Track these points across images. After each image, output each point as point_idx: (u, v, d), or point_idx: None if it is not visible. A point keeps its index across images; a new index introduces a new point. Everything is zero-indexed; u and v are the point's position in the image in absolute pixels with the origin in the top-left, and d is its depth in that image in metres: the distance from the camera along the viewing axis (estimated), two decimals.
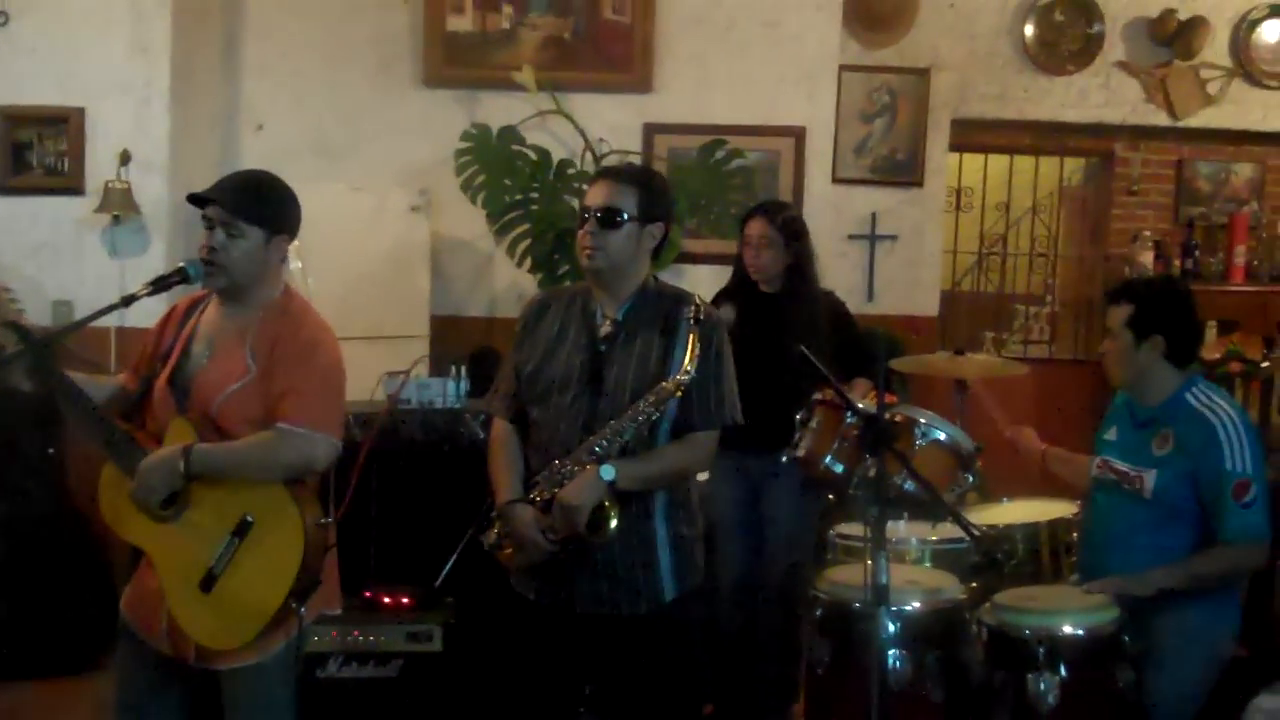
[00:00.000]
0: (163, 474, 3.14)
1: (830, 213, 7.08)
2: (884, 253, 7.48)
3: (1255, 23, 7.68)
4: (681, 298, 3.45)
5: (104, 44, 6.21)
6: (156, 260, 6.12)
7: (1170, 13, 7.54)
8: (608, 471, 3.23)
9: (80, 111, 6.24)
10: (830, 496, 4.86)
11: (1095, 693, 3.62)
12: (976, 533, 3.69)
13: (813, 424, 4.45)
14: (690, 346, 3.30)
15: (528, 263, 6.30)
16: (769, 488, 4.85)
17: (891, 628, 3.61)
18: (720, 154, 6.38)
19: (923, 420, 4.32)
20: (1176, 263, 7.91)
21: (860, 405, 3.85)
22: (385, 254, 6.47)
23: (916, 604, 3.79)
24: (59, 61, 6.22)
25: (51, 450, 5.71)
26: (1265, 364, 6.29)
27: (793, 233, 4.83)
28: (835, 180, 7.24)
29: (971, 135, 7.84)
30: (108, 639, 3.44)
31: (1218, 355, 6.90)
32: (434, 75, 6.89)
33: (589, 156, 6.48)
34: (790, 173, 6.95)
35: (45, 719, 5.14)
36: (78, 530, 5.57)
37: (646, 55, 6.87)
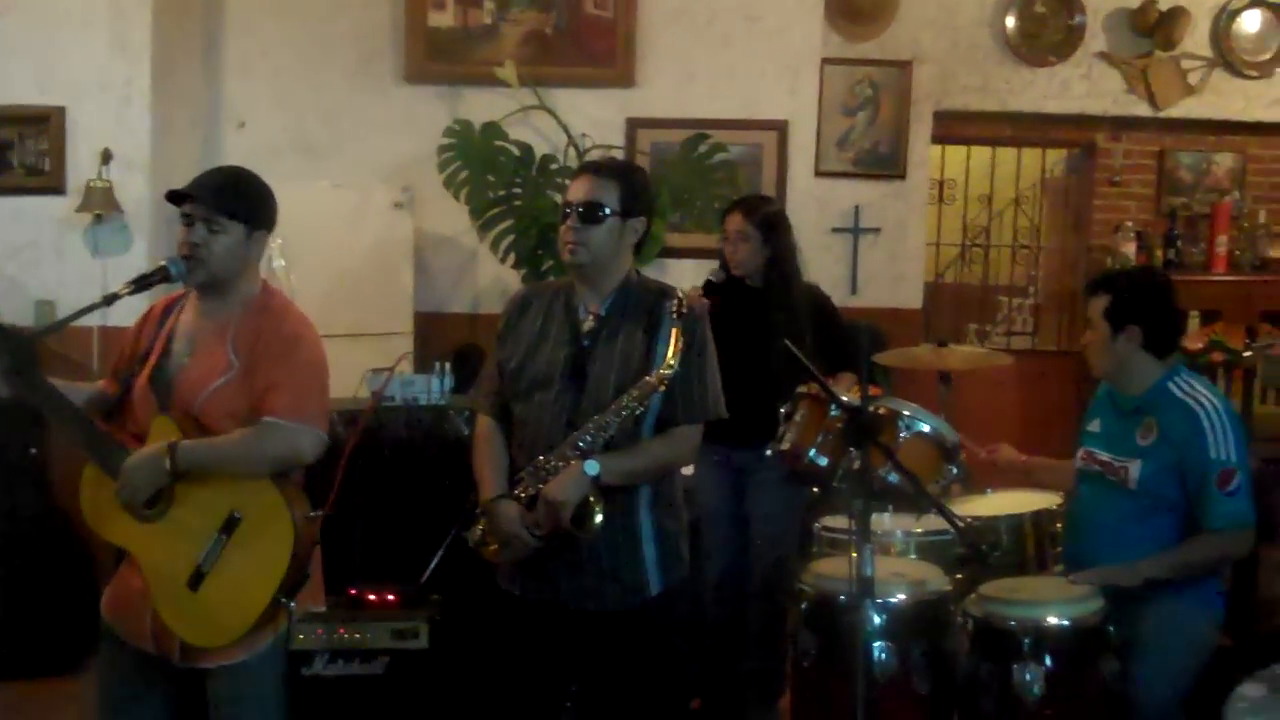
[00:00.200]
0: (148, 472, 3.13)
1: (813, 206, 7.09)
2: (867, 245, 7.48)
3: (1235, 13, 7.70)
4: (664, 292, 3.45)
5: (84, 43, 6.20)
6: (139, 259, 6.11)
7: (1151, 3, 7.55)
8: (592, 467, 3.23)
9: (61, 111, 6.23)
10: (815, 489, 4.87)
11: (1080, 683, 3.63)
12: (961, 524, 3.70)
13: (797, 417, 4.46)
14: (673, 341, 3.31)
15: (511, 258, 6.29)
16: (753, 481, 4.86)
17: (877, 620, 3.63)
18: (703, 148, 6.38)
19: (907, 413, 4.33)
20: (1159, 253, 7.91)
21: (844, 398, 3.85)
22: (368, 251, 6.46)
23: (902, 596, 3.80)
24: (39, 60, 6.21)
25: (34, 450, 5.70)
26: (1247, 353, 6.31)
27: (770, 227, 4.85)
28: (818, 173, 7.25)
29: (954, 127, 7.84)
30: (92, 640, 3.43)
31: (1200, 345, 6.91)
32: (416, 71, 6.89)
33: (572, 152, 6.48)
34: (773, 166, 6.96)
35: None
36: (62, 531, 5.56)
37: (629, 50, 6.87)
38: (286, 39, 6.92)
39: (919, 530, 4.36)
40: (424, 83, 6.90)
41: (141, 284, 3.22)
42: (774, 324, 4.60)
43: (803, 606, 3.93)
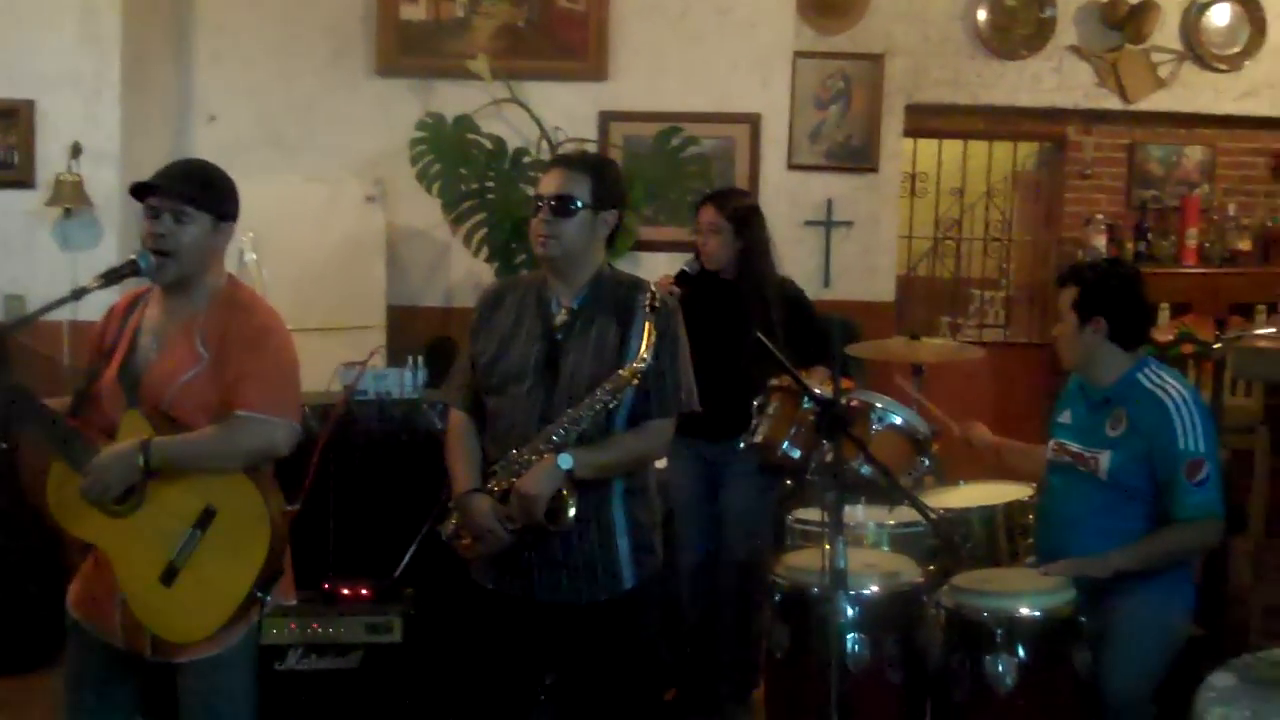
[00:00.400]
0: (119, 469, 3.11)
1: (786, 199, 7.10)
2: (840, 238, 7.49)
3: (1205, 6, 7.74)
4: (637, 285, 3.45)
5: (53, 35, 6.16)
6: (109, 253, 6.08)
7: None
8: (565, 460, 3.23)
9: (30, 104, 6.19)
10: (788, 482, 4.89)
11: (1052, 674, 3.65)
12: (934, 516, 3.72)
13: (770, 410, 4.47)
14: (646, 334, 3.31)
15: (484, 252, 6.28)
16: (726, 474, 4.87)
17: (850, 612, 3.63)
18: (676, 141, 6.38)
19: (879, 405, 4.34)
20: (1129, 245, 7.96)
21: (817, 391, 3.86)
22: (340, 245, 6.44)
23: (874, 588, 3.81)
24: (8, 54, 6.17)
25: (4, 446, 5.65)
26: (1217, 345, 6.33)
27: (742, 221, 4.85)
28: (791, 166, 7.25)
29: (925, 120, 7.87)
30: (63, 636, 3.41)
31: (1170, 337, 6.95)
32: (387, 64, 6.87)
33: (545, 145, 6.48)
34: (746, 159, 6.96)
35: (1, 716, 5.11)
36: (32, 527, 5.52)
37: (601, 43, 6.87)
38: (257, 32, 6.89)
39: (892, 522, 4.37)
40: (396, 76, 6.88)
41: (111, 278, 3.21)
42: (746, 317, 4.61)
43: (776, 598, 3.94)
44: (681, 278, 4.71)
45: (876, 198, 7.54)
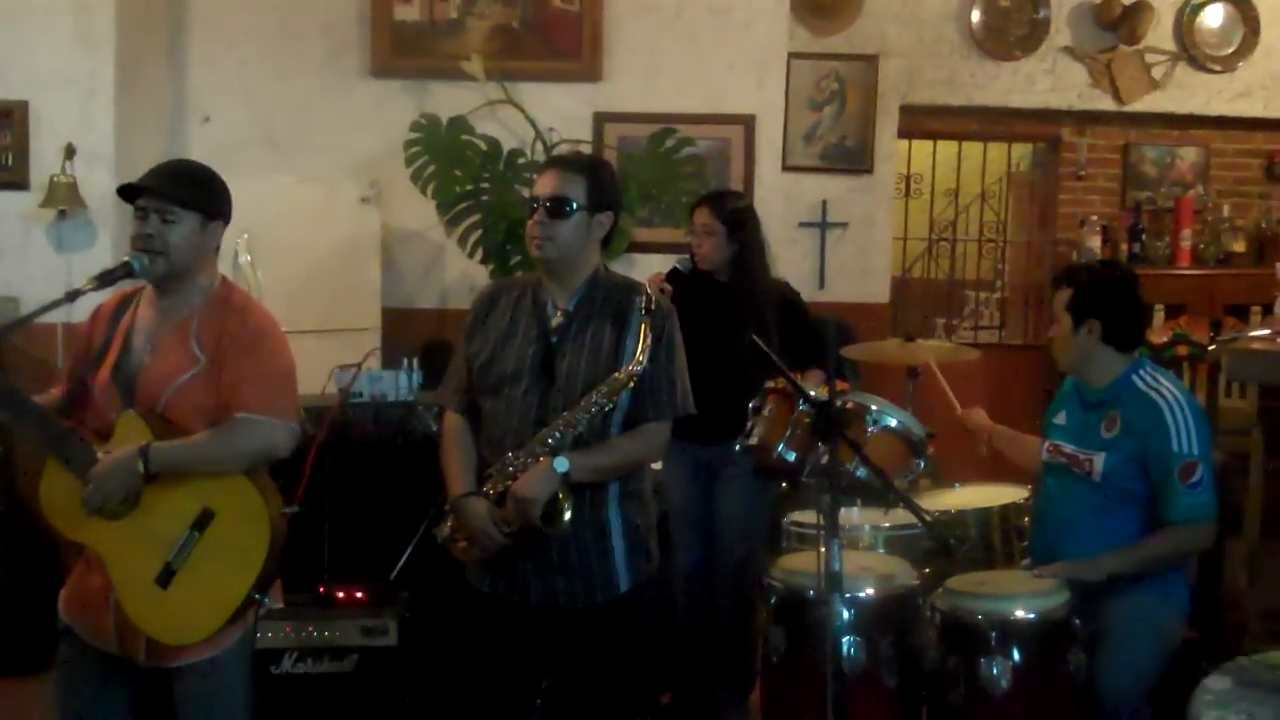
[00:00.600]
0: (121, 477, 3.09)
1: (780, 200, 7.10)
2: (834, 240, 7.50)
3: (1198, 7, 7.75)
4: (632, 287, 3.45)
5: (47, 36, 6.15)
6: (103, 254, 6.06)
7: None
8: (561, 463, 3.22)
9: (24, 105, 6.18)
10: (783, 484, 4.88)
11: (1047, 676, 3.65)
12: (929, 518, 3.72)
13: (765, 412, 4.46)
14: (642, 337, 3.30)
15: (479, 253, 6.28)
16: (720, 476, 4.87)
17: (845, 614, 3.64)
18: (670, 142, 6.38)
19: (874, 407, 4.34)
20: (1124, 247, 7.98)
21: (812, 393, 3.86)
22: (335, 246, 6.44)
23: (870, 590, 3.81)
24: (1, 55, 6.15)
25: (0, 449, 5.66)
26: (1212, 347, 6.34)
27: (736, 223, 4.85)
28: (785, 168, 7.27)
29: (920, 122, 7.88)
30: (58, 639, 3.40)
31: (1165, 339, 6.96)
32: (382, 65, 6.87)
33: (539, 146, 6.47)
34: (740, 161, 6.96)
35: None
36: (26, 529, 5.51)
37: (595, 44, 6.87)
38: (252, 33, 6.89)
39: (887, 525, 4.37)
40: (390, 77, 6.88)
41: (105, 280, 3.20)
42: (740, 319, 4.61)
43: (771, 601, 3.94)
44: (673, 276, 4.71)
45: (871, 199, 7.55)
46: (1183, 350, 6.87)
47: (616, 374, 3.29)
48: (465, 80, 6.53)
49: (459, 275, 6.84)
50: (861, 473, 4.04)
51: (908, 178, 8.41)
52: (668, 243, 6.32)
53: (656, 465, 3.96)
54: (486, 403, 3.43)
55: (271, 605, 3.43)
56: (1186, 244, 7.98)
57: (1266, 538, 4.97)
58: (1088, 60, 7.75)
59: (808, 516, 4.42)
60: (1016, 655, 3.61)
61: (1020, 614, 3.66)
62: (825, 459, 3.40)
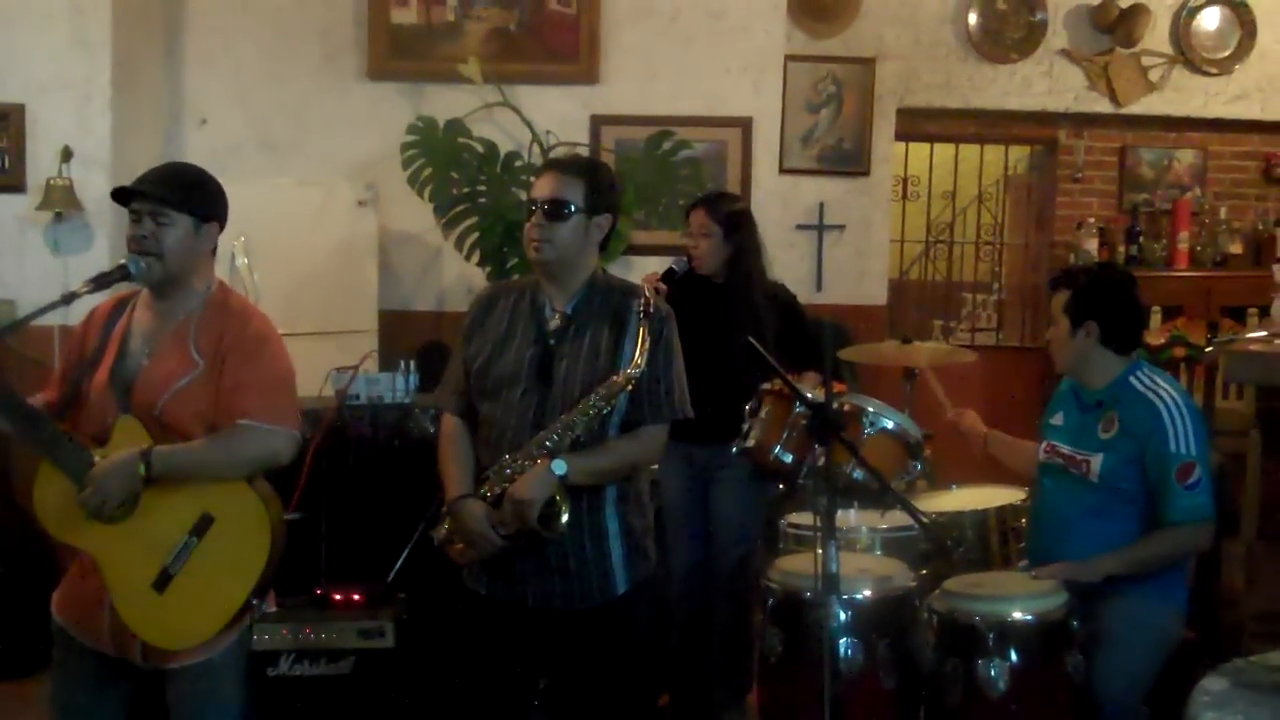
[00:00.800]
0: (121, 480, 3.09)
1: (778, 203, 7.11)
2: (832, 242, 7.50)
3: (1195, 10, 7.77)
4: (631, 291, 3.45)
5: (44, 39, 6.15)
6: (100, 257, 6.06)
7: (1111, 1, 7.61)
8: (559, 466, 3.22)
9: (20, 108, 6.17)
10: (780, 486, 4.87)
11: (1045, 677, 3.65)
12: (926, 520, 3.72)
13: (762, 414, 4.46)
14: (640, 340, 3.30)
15: (476, 256, 6.27)
16: (716, 478, 4.87)
17: (843, 616, 3.64)
18: (667, 145, 6.38)
19: (871, 409, 4.34)
20: (1121, 249, 7.97)
21: (808, 395, 3.86)
22: (332, 249, 6.43)
23: (867, 592, 3.80)
24: None
25: None
26: (1209, 349, 6.34)
27: (732, 225, 4.86)
28: (782, 170, 7.27)
29: (917, 124, 7.88)
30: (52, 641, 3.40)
31: (1162, 340, 6.96)
32: (379, 68, 6.87)
33: (536, 149, 6.47)
34: (737, 163, 6.97)
35: None
36: (22, 531, 5.50)
37: (592, 47, 6.87)
38: (248, 35, 6.89)
39: (884, 526, 4.37)
40: (387, 80, 6.88)
41: (101, 282, 3.20)
42: (735, 321, 4.61)
43: (769, 603, 3.94)
44: (668, 276, 4.72)
45: (868, 201, 7.55)
46: (1180, 352, 6.87)
47: (614, 377, 3.29)
48: (462, 83, 6.53)
49: (456, 278, 6.84)
50: (858, 474, 4.04)
51: (905, 180, 8.40)
52: (665, 245, 6.31)
53: (654, 467, 3.96)
54: (484, 405, 3.43)
55: (265, 609, 3.43)
56: (1184, 246, 7.98)
57: (1264, 539, 4.96)
58: (1084, 63, 7.76)
59: (805, 518, 4.42)
60: (1014, 657, 3.60)
61: (1018, 615, 3.66)
62: (822, 461, 3.40)
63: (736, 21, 6.92)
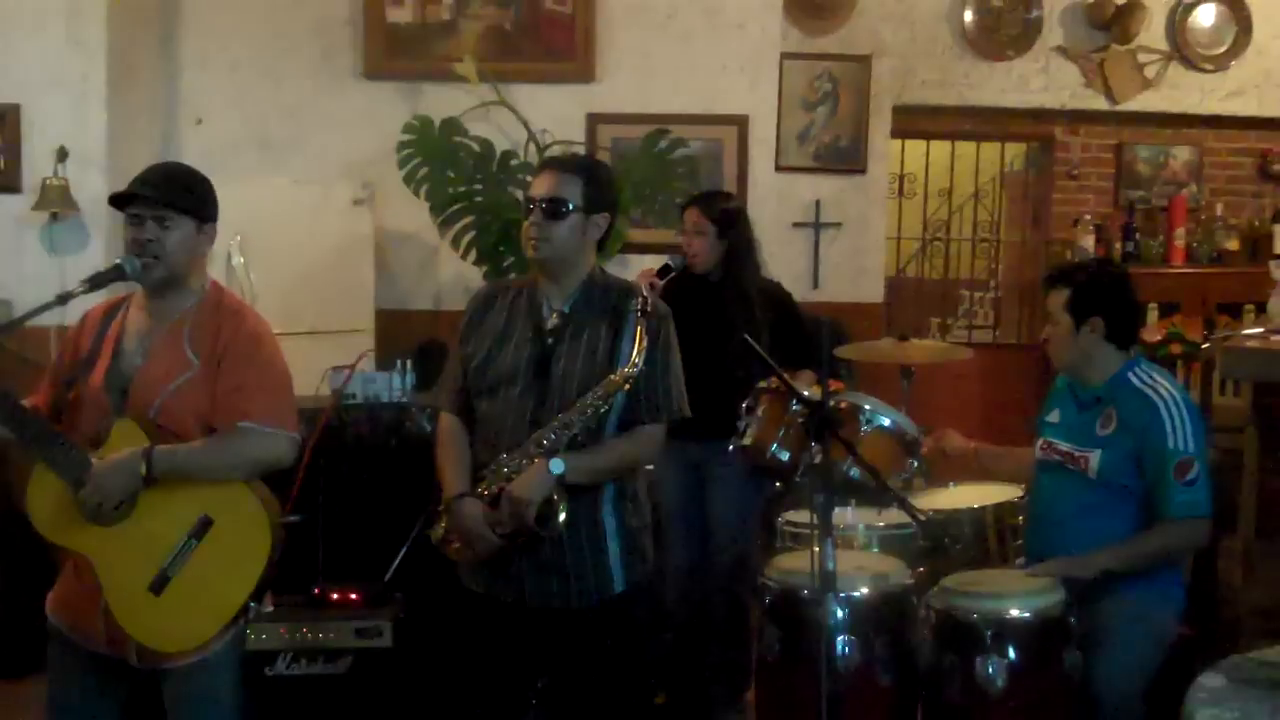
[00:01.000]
0: (121, 478, 3.08)
1: (774, 201, 7.10)
2: (828, 240, 7.51)
3: (1190, 7, 7.78)
4: (628, 289, 3.46)
5: (39, 39, 6.14)
6: (96, 257, 6.06)
7: None
8: (557, 465, 3.22)
9: (16, 108, 6.17)
10: (777, 484, 4.88)
11: (1043, 675, 3.64)
12: (923, 518, 3.72)
13: (759, 412, 4.46)
14: (637, 339, 3.30)
15: (473, 255, 6.27)
16: (711, 476, 4.87)
17: (840, 614, 3.63)
18: (664, 143, 6.38)
19: (867, 407, 4.34)
20: (1117, 246, 7.97)
21: (805, 392, 3.86)
22: (329, 248, 6.43)
23: (864, 590, 3.80)
24: None
25: None
26: (1205, 345, 6.34)
27: (725, 223, 4.87)
28: (779, 168, 7.27)
29: (913, 122, 7.88)
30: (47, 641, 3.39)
31: (1159, 337, 6.96)
32: (375, 67, 6.87)
33: (532, 147, 6.46)
34: (734, 161, 6.97)
35: None
36: (19, 531, 5.49)
37: (588, 45, 6.87)
38: (244, 34, 6.88)
39: (881, 524, 4.37)
40: (383, 78, 6.88)
41: (96, 282, 3.20)
42: (730, 319, 4.62)
43: (766, 601, 3.93)
44: (664, 271, 4.72)
45: (865, 199, 7.56)
46: (1176, 349, 6.87)
47: (612, 376, 3.29)
48: (458, 82, 6.52)
49: (453, 277, 6.83)
50: (855, 472, 4.03)
51: (901, 178, 8.40)
52: (661, 244, 6.31)
53: (650, 466, 3.96)
54: (482, 404, 3.43)
55: (262, 609, 3.43)
56: (1180, 243, 7.98)
57: (1261, 535, 4.97)
58: (1080, 60, 7.76)
59: (801, 516, 4.42)
60: (1012, 654, 3.60)
61: (1016, 613, 3.65)
62: (819, 459, 3.40)
63: (732, 19, 6.92)
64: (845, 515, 4.42)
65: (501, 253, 6.16)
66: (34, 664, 4.96)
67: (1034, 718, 3.64)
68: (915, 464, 4.37)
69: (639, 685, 3.60)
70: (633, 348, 3.30)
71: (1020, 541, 4.31)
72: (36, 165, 6.15)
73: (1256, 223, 8.16)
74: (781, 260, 6.68)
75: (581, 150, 6.52)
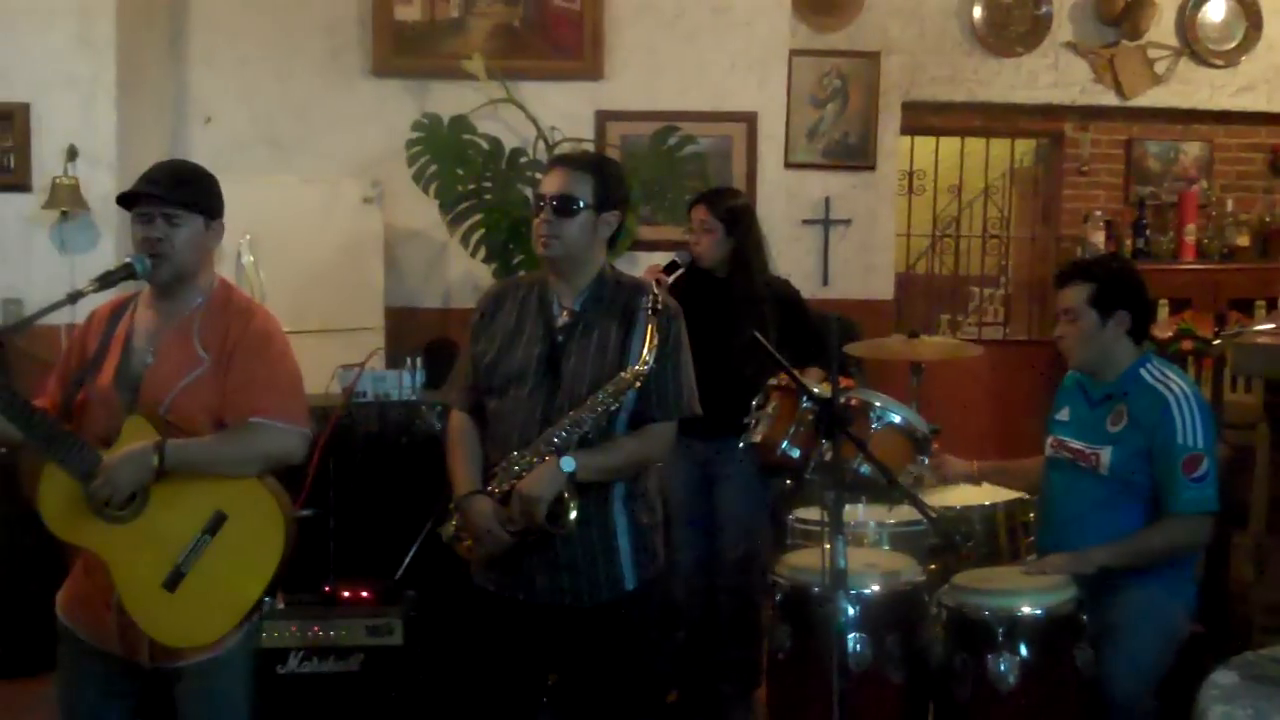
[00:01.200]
0: (132, 469, 3.07)
1: (783, 198, 7.10)
2: (838, 237, 7.51)
3: (1200, 2, 7.77)
4: (639, 287, 3.44)
5: (48, 38, 6.14)
6: (106, 256, 6.06)
7: None
8: (568, 463, 3.22)
9: (25, 107, 6.17)
10: (788, 481, 4.88)
11: (1054, 672, 3.64)
12: (934, 515, 3.71)
13: (769, 409, 4.45)
14: (648, 337, 3.30)
15: (482, 252, 6.27)
16: (719, 474, 4.87)
17: (851, 611, 3.63)
18: (672, 140, 6.37)
19: (878, 404, 4.33)
20: (1128, 242, 7.96)
21: (815, 390, 3.86)
22: (338, 246, 6.43)
23: (875, 587, 3.80)
24: (3, 57, 6.14)
25: (3, 450, 5.63)
26: (1216, 342, 6.32)
27: (733, 220, 4.87)
28: (788, 165, 7.26)
29: (922, 118, 7.87)
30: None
31: (1169, 334, 6.94)
32: (383, 65, 6.87)
33: (541, 145, 6.46)
34: (743, 158, 6.96)
35: None
36: (30, 531, 5.50)
37: (597, 42, 6.87)
38: (253, 33, 6.89)
39: (892, 521, 4.36)
40: (391, 76, 6.88)
41: (106, 281, 3.19)
42: (737, 316, 4.62)
43: (777, 598, 3.93)
44: (671, 267, 4.72)
45: (874, 196, 7.55)
46: (1187, 345, 6.84)
47: (623, 374, 3.29)
48: (467, 79, 6.52)
49: (462, 274, 6.84)
50: (866, 469, 4.02)
51: (910, 174, 8.38)
52: (670, 240, 6.30)
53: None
54: (492, 402, 3.42)
55: (274, 604, 3.43)
56: (1190, 239, 7.96)
57: (1272, 532, 4.95)
58: (1090, 55, 7.75)
59: (812, 513, 4.41)
60: (1024, 651, 3.60)
61: (1027, 610, 3.65)
62: (829, 456, 3.40)
63: (741, 16, 6.92)
64: (856, 512, 4.42)
65: (511, 250, 6.16)
66: (41, 663, 4.99)
67: (1046, 715, 3.65)
68: (926, 461, 4.37)
69: (650, 683, 3.59)
70: (644, 346, 3.30)
71: (1032, 538, 4.30)
72: (46, 164, 6.15)
73: (1267, 218, 8.14)
74: (791, 257, 6.69)
75: (590, 148, 6.52)
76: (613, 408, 3.29)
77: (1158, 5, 7.63)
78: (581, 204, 3.35)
